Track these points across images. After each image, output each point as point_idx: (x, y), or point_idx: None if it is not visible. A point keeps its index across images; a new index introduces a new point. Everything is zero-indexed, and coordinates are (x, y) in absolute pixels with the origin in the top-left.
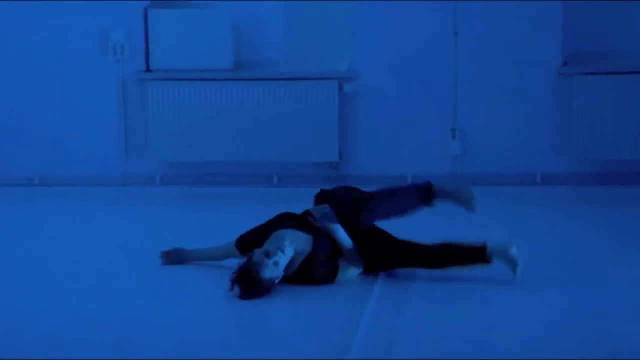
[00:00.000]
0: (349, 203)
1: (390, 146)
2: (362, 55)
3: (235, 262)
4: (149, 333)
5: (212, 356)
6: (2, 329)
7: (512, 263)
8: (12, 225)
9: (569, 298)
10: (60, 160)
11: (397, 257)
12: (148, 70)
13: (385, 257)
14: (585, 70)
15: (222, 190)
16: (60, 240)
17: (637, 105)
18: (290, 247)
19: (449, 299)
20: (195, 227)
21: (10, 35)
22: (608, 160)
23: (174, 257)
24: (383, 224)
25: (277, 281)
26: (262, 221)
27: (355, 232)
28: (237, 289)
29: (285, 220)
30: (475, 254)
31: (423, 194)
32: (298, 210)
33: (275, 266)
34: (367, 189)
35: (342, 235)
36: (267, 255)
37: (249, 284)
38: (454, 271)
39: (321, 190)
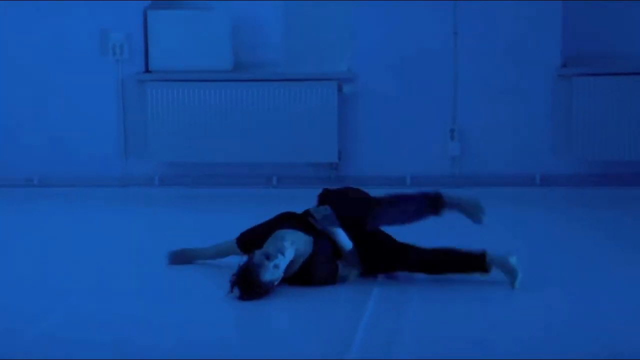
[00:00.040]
0: (353, 205)
1: (389, 147)
2: (361, 56)
3: (235, 263)
4: (149, 333)
5: (212, 356)
6: (2, 329)
7: (512, 273)
8: (12, 226)
9: (568, 298)
10: (59, 160)
11: (396, 260)
12: (147, 71)
13: (384, 260)
14: (585, 71)
15: (221, 191)
16: (60, 241)
17: (637, 106)
18: (291, 248)
19: (448, 300)
20: (195, 228)
21: (10, 36)
22: (607, 161)
23: (182, 258)
24: (385, 227)
25: (276, 283)
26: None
27: (356, 234)
28: (236, 291)
29: (286, 220)
30: (475, 262)
31: (432, 203)
32: (297, 211)
33: (275, 269)
34: (366, 189)
35: (343, 238)
36: (268, 257)
37: (249, 286)
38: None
39: (324, 189)
